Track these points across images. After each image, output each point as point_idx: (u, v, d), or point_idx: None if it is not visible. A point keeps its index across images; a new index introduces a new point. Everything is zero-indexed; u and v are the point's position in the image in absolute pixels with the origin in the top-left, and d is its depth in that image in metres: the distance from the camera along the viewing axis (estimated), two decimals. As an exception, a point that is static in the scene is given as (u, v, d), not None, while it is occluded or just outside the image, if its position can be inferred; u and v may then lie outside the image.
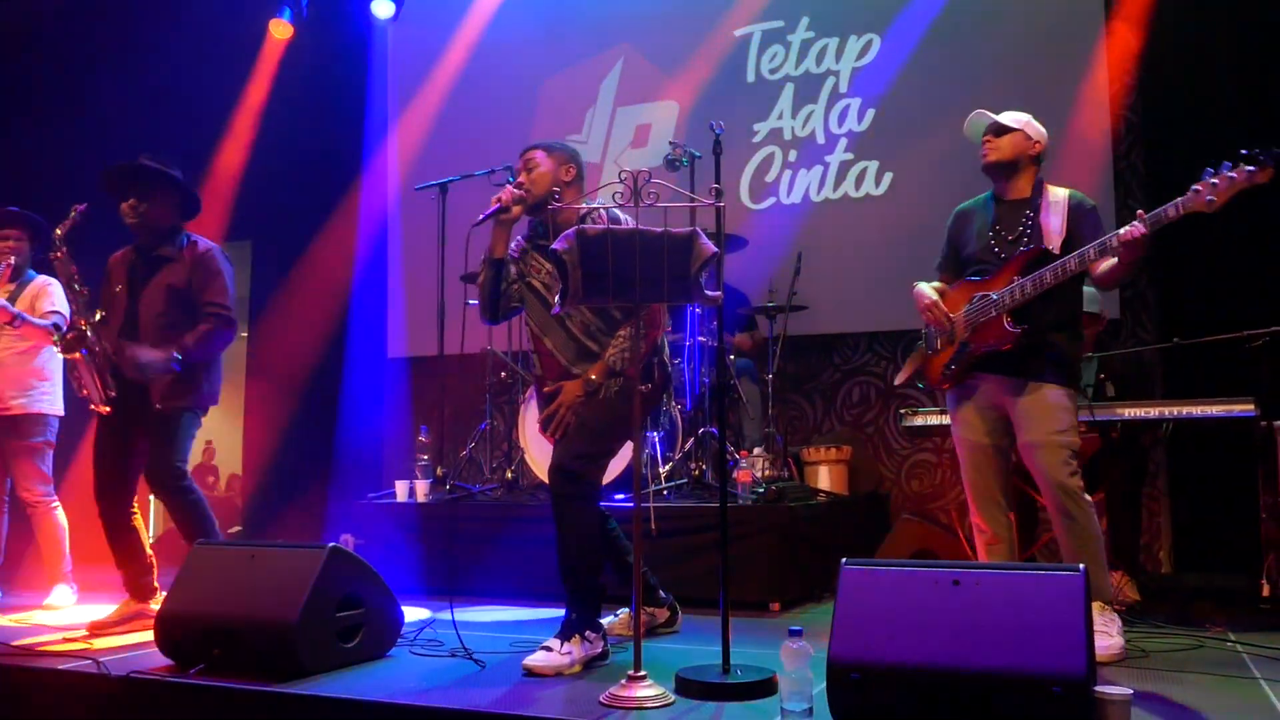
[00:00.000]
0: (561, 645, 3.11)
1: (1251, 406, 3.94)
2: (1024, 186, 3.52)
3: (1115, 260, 3.25)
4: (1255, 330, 4.22)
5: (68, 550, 4.82)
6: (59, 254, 4.13)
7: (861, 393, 6.28)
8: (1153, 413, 4.10)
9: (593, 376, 3.38)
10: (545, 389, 3.53)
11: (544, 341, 3.51)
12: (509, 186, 3.45)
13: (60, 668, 3.19)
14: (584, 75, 6.88)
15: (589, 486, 3.31)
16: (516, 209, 3.43)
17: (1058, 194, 3.46)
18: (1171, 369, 5.31)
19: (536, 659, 3.07)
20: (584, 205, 3.47)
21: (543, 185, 3.47)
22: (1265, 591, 4.09)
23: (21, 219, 4.87)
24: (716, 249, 2.90)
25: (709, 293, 2.92)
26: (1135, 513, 4.45)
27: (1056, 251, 3.33)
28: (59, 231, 4.11)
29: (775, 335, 5.55)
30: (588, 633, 3.19)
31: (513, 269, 3.53)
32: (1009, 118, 3.52)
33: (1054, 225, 3.39)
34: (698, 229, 2.89)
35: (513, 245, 3.54)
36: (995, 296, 3.39)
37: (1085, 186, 3.45)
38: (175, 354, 3.91)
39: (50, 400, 4.86)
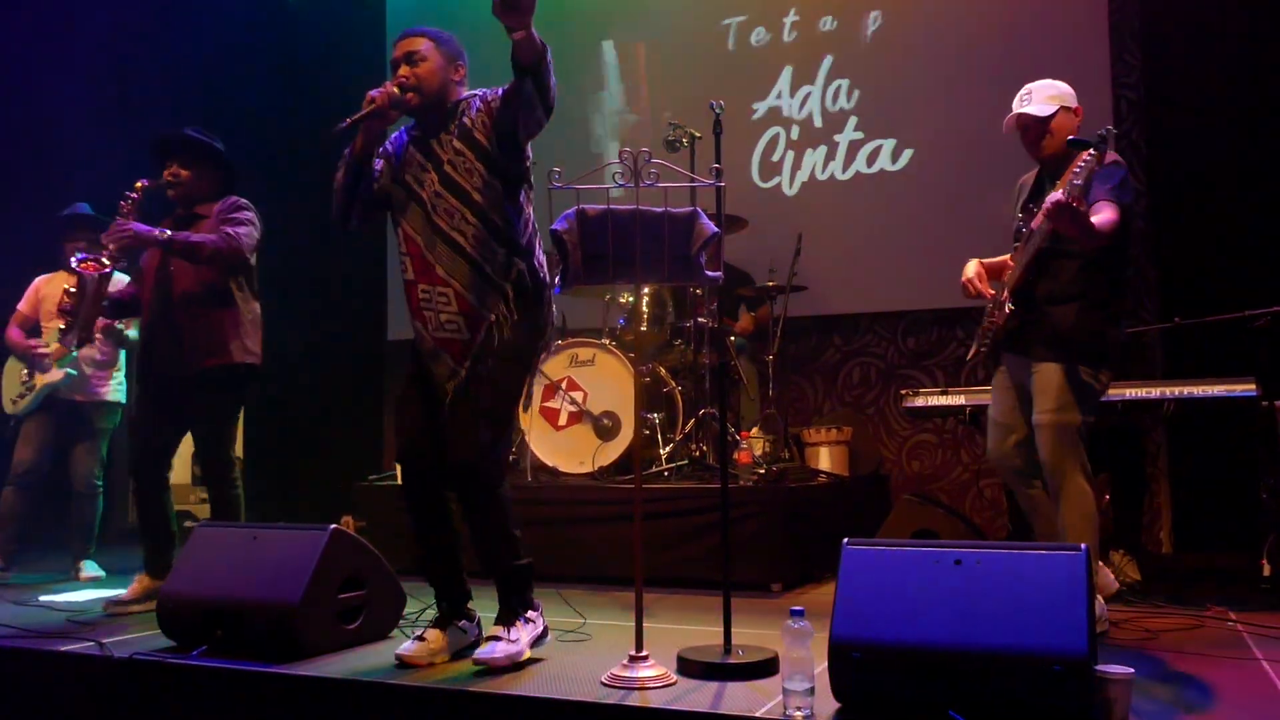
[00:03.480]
0: (509, 632, 2.93)
1: (1253, 386, 3.94)
2: (1059, 155, 3.41)
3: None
4: (1256, 310, 4.21)
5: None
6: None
7: (862, 373, 6.28)
8: (1154, 393, 4.10)
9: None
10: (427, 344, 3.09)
11: (416, 241, 3.04)
12: (387, 84, 2.96)
13: (63, 650, 3.20)
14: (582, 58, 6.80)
15: (500, 469, 3.06)
16: (393, 114, 2.99)
17: (1084, 157, 3.26)
18: (1172, 349, 5.30)
19: (490, 653, 2.86)
20: (464, 94, 3.07)
21: (431, 84, 3.00)
22: (1265, 571, 4.09)
23: (92, 221, 4.93)
24: (717, 229, 2.88)
25: (709, 273, 2.91)
26: (1137, 493, 4.45)
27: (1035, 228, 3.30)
28: (125, 205, 4.02)
29: (775, 316, 5.54)
30: (528, 613, 3.03)
31: (378, 163, 3.11)
32: (1041, 101, 3.38)
33: (1059, 195, 3.20)
34: (698, 209, 2.88)
35: (390, 140, 3.16)
36: (1009, 276, 3.42)
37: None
38: (161, 230, 3.89)
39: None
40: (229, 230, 3.98)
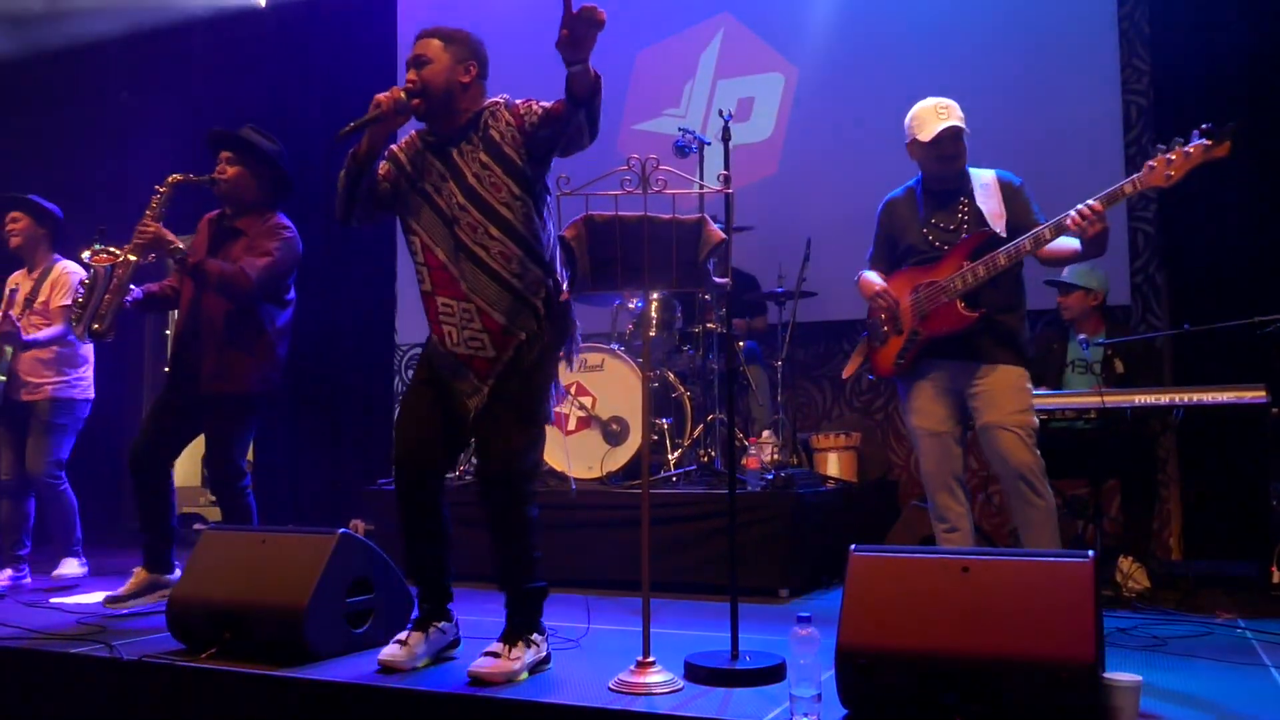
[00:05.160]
0: (509, 650, 2.86)
1: (1263, 393, 3.92)
2: (955, 175, 3.52)
3: (1075, 240, 3.26)
4: (1266, 317, 4.20)
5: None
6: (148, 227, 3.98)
7: (871, 380, 6.26)
8: (1164, 399, 4.08)
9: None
10: (446, 348, 3.02)
11: (435, 253, 3.02)
12: (394, 89, 2.93)
13: (73, 651, 3.21)
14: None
15: (534, 482, 3.03)
16: (400, 119, 2.96)
17: (984, 176, 3.47)
18: (1182, 355, 5.29)
19: (485, 666, 2.80)
20: (486, 101, 3.04)
21: (437, 87, 2.96)
22: (1275, 578, 4.08)
23: (22, 203, 4.91)
24: (725, 235, 2.89)
25: (717, 279, 2.91)
26: (1148, 500, 4.44)
27: (1003, 234, 3.34)
28: (155, 199, 4.01)
29: (785, 322, 5.53)
30: (534, 636, 2.95)
31: (383, 166, 3.09)
32: (960, 120, 3.46)
33: (992, 209, 3.42)
34: (706, 215, 2.89)
35: (401, 141, 3.15)
36: (944, 283, 3.40)
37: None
38: (179, 246, 3.90)
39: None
40: (247, 263, 3.94)
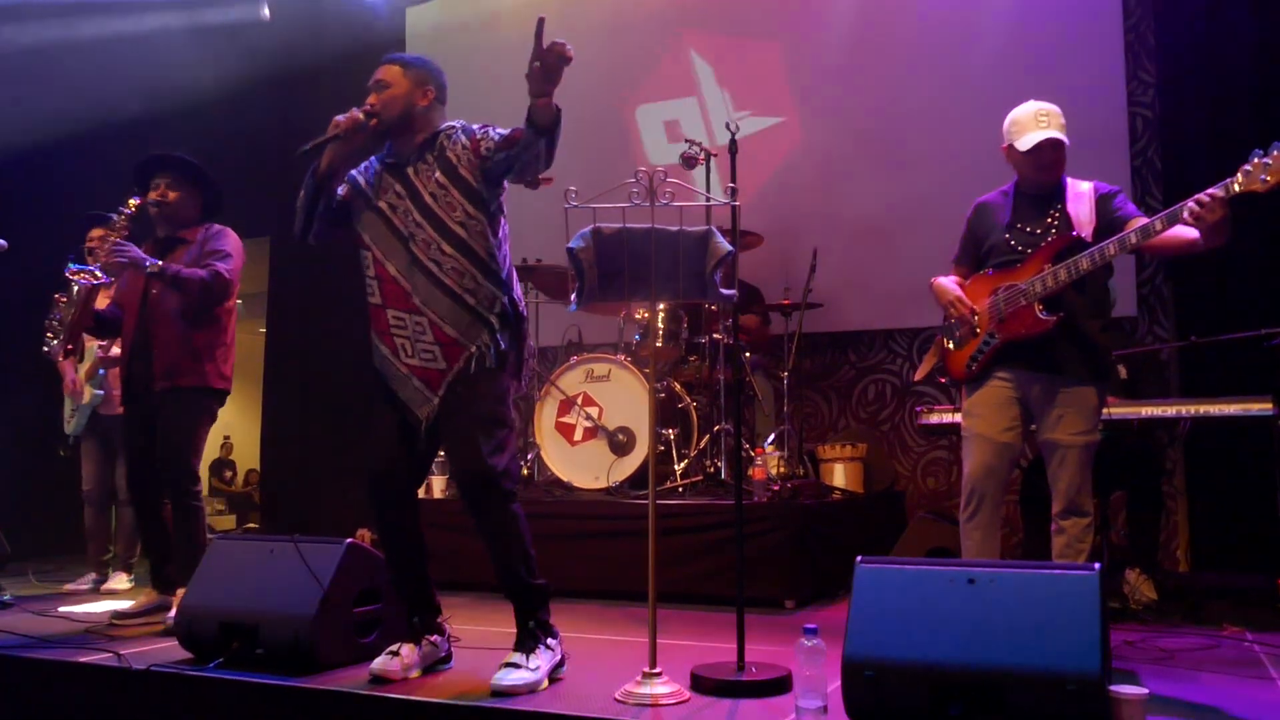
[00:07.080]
0: (529, 660, 2.87)
1: (1269, 405, 3.92)
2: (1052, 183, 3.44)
3: (1191, 230, 3.10)
4: (1273, 329, 4.20)
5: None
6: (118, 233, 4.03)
7: (877, 390, 6.28)
8: (1170, 411, 4.08)
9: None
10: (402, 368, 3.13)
11: (387, 267, 3.11)
12: (354, 110, 3.05)
13: (81, 660, 3.23)
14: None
15: (513, 482, 3.02)
16: (358, 138, 3.05)
17: (1082, 186, 3.40)
18: (1188, 367, 5.29)
19: (510, 679, 2.80)
20: (443, 125, 3.14)
21: (394, 110, 3.08)
22: (1283, 590, 4.07)
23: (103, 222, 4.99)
24: (732, 247, 2.90)
25: (724, 291, 2.93)
26: (1155, 511, 4.43)
27: (1089, 240, 3.26)
28: (120, 220, 4.04)
29: (791, 332, 5.55)
30: (548, 640, 2.98)
31: (343, 189, 3.18)
32: (1060, 129, 3.39)
33: (1083, 215, 3.33)
34: (713, 227, 2.90)
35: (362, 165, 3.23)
36: (1024, 286, 3.31)
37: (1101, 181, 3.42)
38: (154, 260, 3.90)
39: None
40: (217, 266, 4.01)
